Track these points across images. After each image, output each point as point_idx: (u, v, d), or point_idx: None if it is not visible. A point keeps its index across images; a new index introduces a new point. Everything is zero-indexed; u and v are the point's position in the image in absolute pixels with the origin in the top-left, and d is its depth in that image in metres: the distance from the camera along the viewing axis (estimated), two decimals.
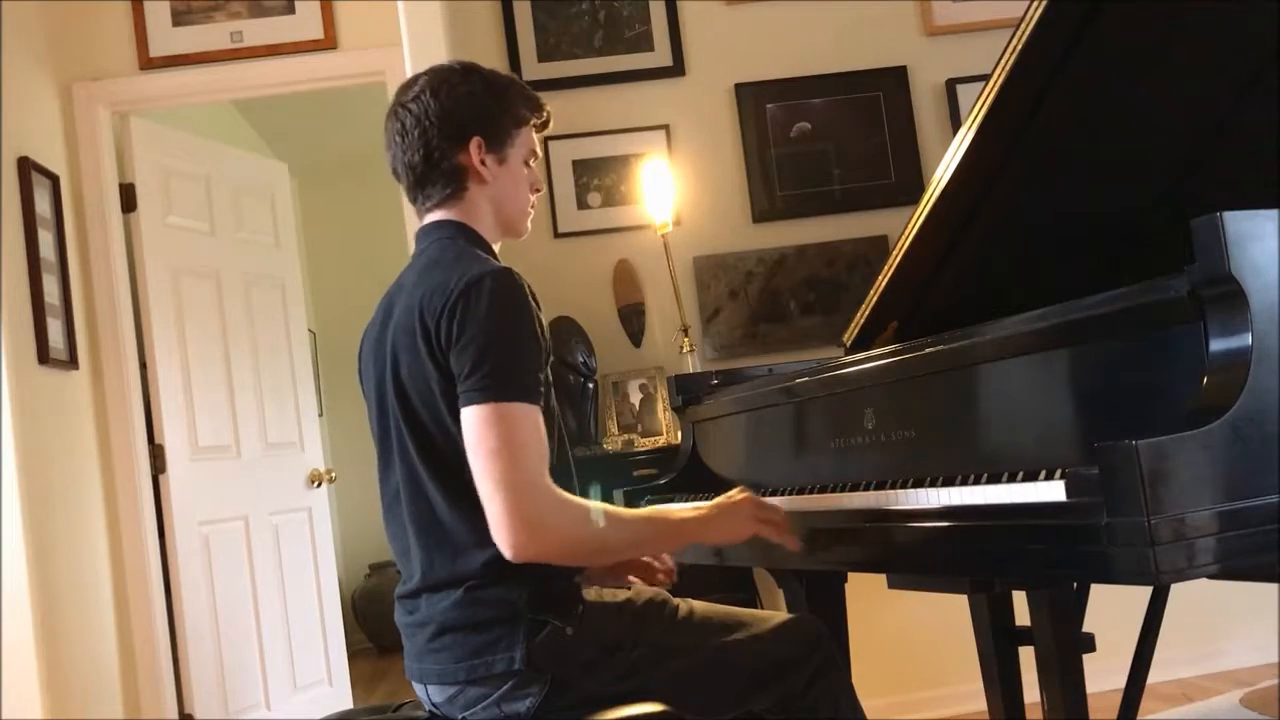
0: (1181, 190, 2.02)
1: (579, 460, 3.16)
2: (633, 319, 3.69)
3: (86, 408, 3.63)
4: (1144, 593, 2.45)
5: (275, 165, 4.67)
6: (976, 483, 1.58)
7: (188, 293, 3.96)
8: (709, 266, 3.71)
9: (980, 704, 2.43)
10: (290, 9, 3.79)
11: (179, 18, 3.78)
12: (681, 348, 3.38)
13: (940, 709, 3.47)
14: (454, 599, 1.59)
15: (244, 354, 4.16)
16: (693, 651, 1.65)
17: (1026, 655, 2.08)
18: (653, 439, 3.51)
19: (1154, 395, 1.43)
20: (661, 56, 3.78)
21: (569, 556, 1.57)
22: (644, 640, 1.63)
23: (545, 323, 1.65)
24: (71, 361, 3.53)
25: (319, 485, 4.39)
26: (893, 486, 1.74)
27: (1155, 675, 2.54)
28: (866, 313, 2.28)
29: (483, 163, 1.73)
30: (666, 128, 3.76)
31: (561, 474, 1.61)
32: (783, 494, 2.06)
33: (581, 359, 3.48)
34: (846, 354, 2.27)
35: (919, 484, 1.69)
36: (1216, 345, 1.33)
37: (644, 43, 3.78)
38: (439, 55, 3.19)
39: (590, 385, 3.51)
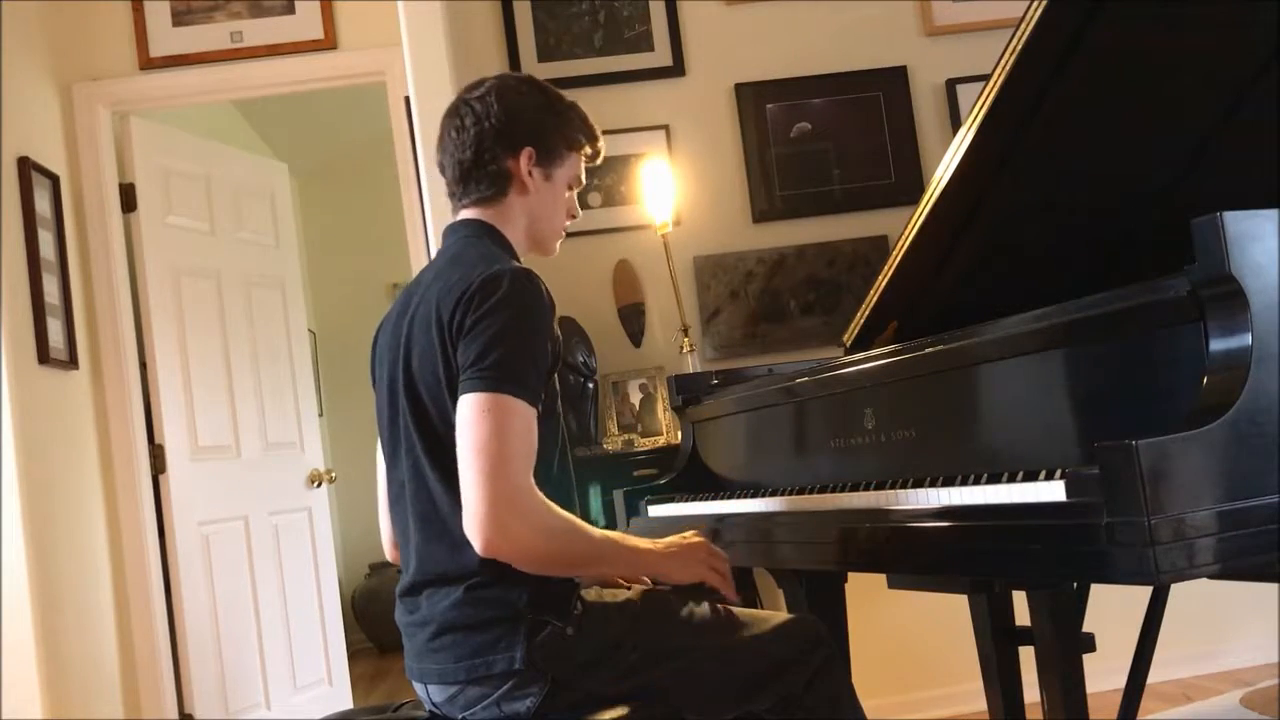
0: (1181, 190, 2.02)
1: (579, 460, 3.16)
2: (633, 319, 3.69)
3: (86, 408, 3.63)
4: (1144, 593, 2.46)
5: (275, 165, 4.67)
6: (976, 483, 1.58)
7: (188, 293, 3.96)
8: (709, 266, 3.70)
9: (980, 704, 2.43)
10: (290, 9, 3.79)
11: (179, 18, 3.78)
12: (681, 348, 3.38)
13: (940, 709, 3.47)
14: (454, 598, 1.59)
15: (244, 354, 4.16)
16: (692, 651, 1.65)
17: (1026, 655, 2.08)
18: (653, 439, 3.51)
19: (1154, 395, 1.43)
20: (661, 56, 3.77)
21: (533, 565, 1.55)
22: (644, 640, 1.63)
23: (559, 333, 1.64)
24: (71, 361, 3.53)
25: (319, 485, 4.39)
26: (893, 486, 1.74)
27: (1155, 675, 2.55)
28: (866, 313, 2.28)
29: (529, 174, 1.74)
30: (666, 128, 3.75)
31: (562, 477, 1.60)
32: (783, 494, 2.06)
33: (581, 359, 3.48)
34: (846, 354, 2.27)
35: (919, 484, 1.69)
36: (1217, 345, 1.33)
37: (644, 43, 3.78)
38: (439, 55, 3.19)
39: (590, 385, 3.51)
